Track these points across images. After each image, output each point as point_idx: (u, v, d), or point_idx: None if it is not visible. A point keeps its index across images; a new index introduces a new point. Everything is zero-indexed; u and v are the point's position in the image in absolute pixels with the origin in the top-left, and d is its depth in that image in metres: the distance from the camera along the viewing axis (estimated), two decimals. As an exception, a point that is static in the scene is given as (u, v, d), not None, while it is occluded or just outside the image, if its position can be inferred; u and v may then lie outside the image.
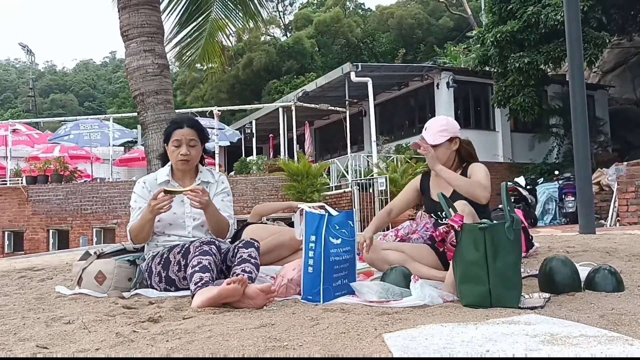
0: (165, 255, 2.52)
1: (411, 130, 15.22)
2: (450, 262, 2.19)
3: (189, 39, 7.93)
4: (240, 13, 7.93)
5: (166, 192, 2.46)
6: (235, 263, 2.42)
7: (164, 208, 2.44)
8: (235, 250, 2.48)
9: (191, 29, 7.77)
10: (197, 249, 2.37)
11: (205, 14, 7.66)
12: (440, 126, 2.66)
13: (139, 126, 14.56)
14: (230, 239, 2.80)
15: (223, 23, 8.01)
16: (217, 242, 2.47)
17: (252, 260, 2.42)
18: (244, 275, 2.29)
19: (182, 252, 2.44)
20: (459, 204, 2.28)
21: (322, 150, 19.17)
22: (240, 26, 8.96)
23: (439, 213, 2.66)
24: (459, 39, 24.70)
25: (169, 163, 2.74)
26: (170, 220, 2.61)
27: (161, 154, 2.88)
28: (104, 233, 13.44)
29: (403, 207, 2.84)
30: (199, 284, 2.20)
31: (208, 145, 2.87)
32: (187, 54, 8.21)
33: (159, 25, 5.48)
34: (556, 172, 11.68)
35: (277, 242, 3.17)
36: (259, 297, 2.11)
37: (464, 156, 2.72)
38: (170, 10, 7.34)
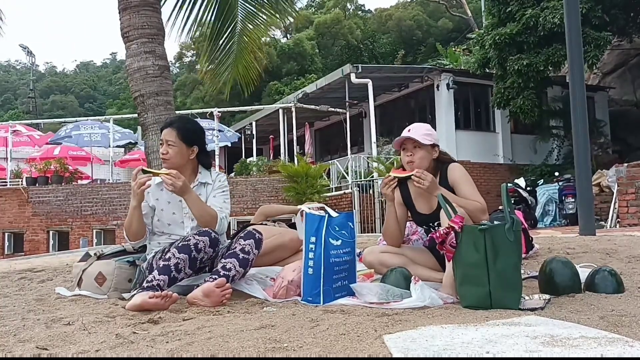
0: (166, 250, 2.52)
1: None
2: (448, 263, 2.19)
3: (220, 56, 7.57)
4: (267, 12, 7.55)
5: (144, 171, 2.53)
6: (226, 255, 2.41)
7: (144, 187, 2.44)
8: (236, 239, 2.48)
9: (221, 45, 7.41)
10: (181, 241, 2.38)
11: (231, 27, 7.26)
12: (426, 130, 2.61)
13: (139, 127, 14.57)
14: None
15: (251, 33, 7.53)
16: (213, 235, 2.42)
17: (241, 256, 2.39)
18: (221, 273, 2.30)
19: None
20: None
21: (322, 152, 19.15)
22: (271, 26, 8.43)
23: (430, 224, 2.66)
24: (459, 41, 24.71)
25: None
26: (169, 221, 2.61)
27: None
28: (104, 234, 13.44)
29: (402, 226, 2.75)
30: (145, 286, 2.23)
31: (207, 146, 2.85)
32: (223, 73, 7.78)
33: (159, 27, 5.48)
34: (556, 174, 11.65)
35: (277, 243, 3.15)
36: (214, 294, 2.17)
37: (440, 162, 2.67)
38: (197, 28, 7.03)
